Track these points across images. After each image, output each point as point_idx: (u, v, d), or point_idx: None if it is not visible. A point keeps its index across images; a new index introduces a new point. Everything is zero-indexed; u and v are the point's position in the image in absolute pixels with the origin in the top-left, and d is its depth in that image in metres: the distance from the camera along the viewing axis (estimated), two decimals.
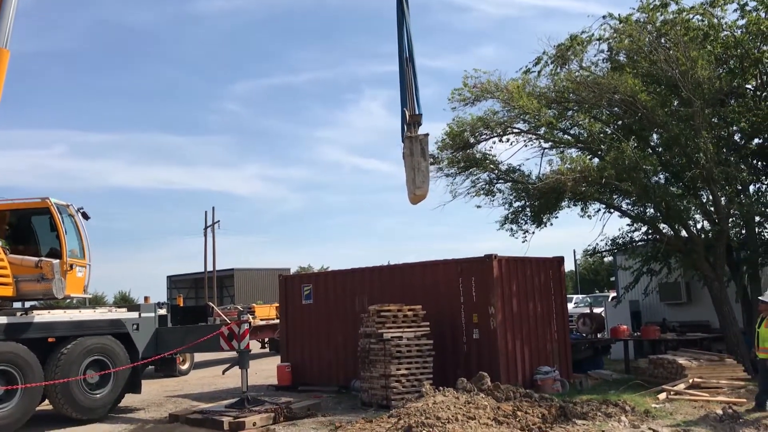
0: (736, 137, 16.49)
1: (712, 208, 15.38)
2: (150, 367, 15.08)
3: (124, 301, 61.23)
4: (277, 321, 25.26)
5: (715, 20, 15.93)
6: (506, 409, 10.39)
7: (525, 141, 16.09)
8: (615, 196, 15.84)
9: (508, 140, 16.10)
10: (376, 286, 15.36)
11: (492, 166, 16.91)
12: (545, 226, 18.34)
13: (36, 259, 12.56)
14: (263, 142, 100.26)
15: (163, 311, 14.42)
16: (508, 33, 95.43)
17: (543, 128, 15.05)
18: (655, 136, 15.94)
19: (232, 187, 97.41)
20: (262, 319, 25.84)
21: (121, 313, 13.82)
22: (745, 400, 11.77)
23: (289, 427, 11.49)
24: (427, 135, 10.47)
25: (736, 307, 16.34)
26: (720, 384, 12.91)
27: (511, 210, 17.81)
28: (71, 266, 13.39)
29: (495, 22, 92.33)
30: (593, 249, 17.24)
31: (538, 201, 16.39)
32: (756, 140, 16.29)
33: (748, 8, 15.82)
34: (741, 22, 15.85)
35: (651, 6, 16.57)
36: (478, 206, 17.14)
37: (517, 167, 16.86)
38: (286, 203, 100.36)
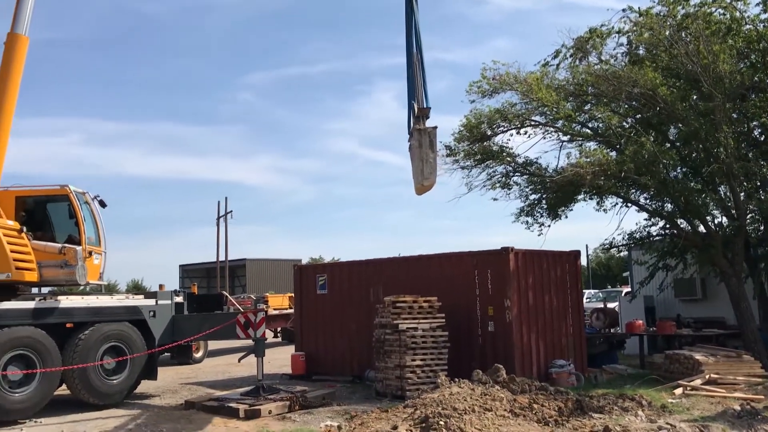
0: (756, 133, 16.35)
1: (731, 204, 15.27)
2: (165, 354, 15.17)
3: (136, 289, 61.61)
4: (290, 311, 25.38)
5: (738, 14, 15.76)
6: (522, 401, 10.38)
7: (543, 134, 16.02)
8: (632, 191, 15.74)
9: (525, 133, 16.05)
10: (391, 277, 15.36)
11: (509, 158, 16.86)
12: (560, 219, 18.34)
13: (59, 245, 12.64)
14: (276, 133, 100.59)
15: (179, 299, 14.49)
16: (521, 26, 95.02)
17: (561, 121, 14.96)
18: (673, 130, 15.82)
19: (244, 178, 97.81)
20: (275, 309, 25.94)
21: (138, 300, 13.90)
22: (762, 396, 11.72)
23: (304, 415, 11.53)
24: (435, 128, 10.47)
25: (753, 303, 16.24)
26: (737, 380, 12.85)
27: (527, 203, 17.79)
28: (90, 253, 13.47)
29: (508, 14, 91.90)
30: (610, 243, 17.17)
31: (555, 194, 16.33)
32: None
33: None
34: (764, 16, 15.71)
35: None
36: (495, 199, 17.13)
37: (534, 160, 16.81)
38: (297, 194, 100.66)
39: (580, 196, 17.48)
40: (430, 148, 10.35)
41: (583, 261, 61.62)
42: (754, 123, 15.58)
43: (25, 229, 12.38)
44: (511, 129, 16.02)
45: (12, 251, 11.64)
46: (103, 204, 14.45)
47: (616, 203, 16.54)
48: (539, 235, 18.21)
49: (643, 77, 13.94)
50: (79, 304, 12.83)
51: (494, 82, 14.99)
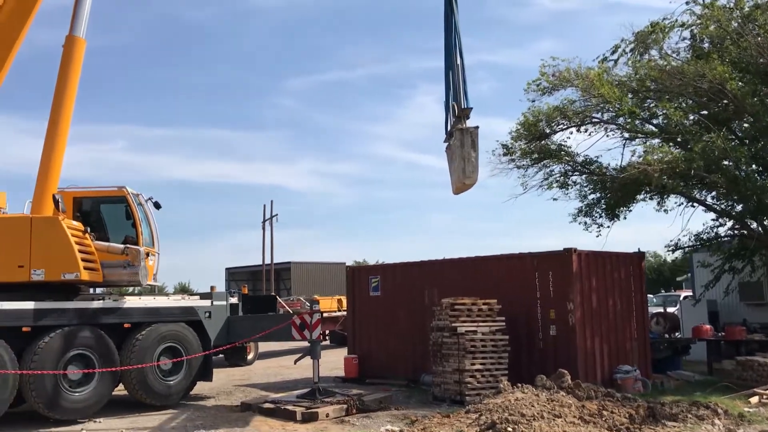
0: None
1: None
2: (219, 355, 15.11)
3: (183, 291, 62.39)
4: (339, 313, 25.26)
5: None
6: (591, 408, 9.96)
7: (605, 131, 15.47)
8: (699, 190, 15.09)
9: (586, 130, 15.54)
10: (447, 279, 15.03)
11: (567, 157, 16.38)
12: (618, 220, 17.75)
13: (122, 246, 12.69)
14: (317, 137, 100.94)
15: (234, 300, 14.42)
16: (565, 27, 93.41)
17: (623, 118, 14.43)
18: (743, 126, 15.13)
19: (286, 182, 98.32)
20: (323, 311, 25.81)
21: (194, 301, 13.86)
22: None
23: (362, 419, 11.29)
24: (477, 127, 10.51)
25: None
26: None
27: (585, 203, 17.27)
28: (147, 254, 13.48)
29: (552, 15, 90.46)
30: (675, 244, 16.52)
31: (616, 193, 15.77)
32: None
33: None
34: None
35: None
36: (555, 199, 16.69)
37: (595, 159, 16.28)
38: (338, 198, 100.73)
39: (640, 196, 16.89)
40: (472, 148, 10.46)
41: None
42: None
43: (88, 229, 12.43)
44: (571, 127, 15.55)
45: (79, 251, 11.68)
46: (158, 206, 14.47)
47: (681, 203, 15.88)
48: (597, 236, 17.68)
49: (711, 71, 13.34)
50: (136, 305, 12.84)
51: (553, 79, 14.56)
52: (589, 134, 15.63)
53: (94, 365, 11.84)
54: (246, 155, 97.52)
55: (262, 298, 16.23)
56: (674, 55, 16.68)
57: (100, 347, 11.93)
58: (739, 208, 14.98)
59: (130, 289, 15.08)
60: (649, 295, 36.47)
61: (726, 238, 16.28)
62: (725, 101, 14.45)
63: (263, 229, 54.17)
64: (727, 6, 16.01)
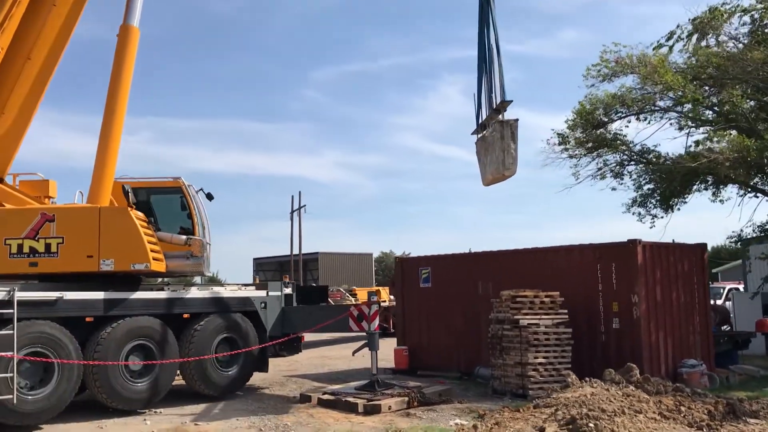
0: None
1: None
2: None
3: (212, 282, 62.70)
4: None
5: None
6: (668, 403, 9.67)
7: (668, 120, 15.07)
8: (763, 180, 14.67)
9: (645, 119, 15.16)
10: (502, 271, 14.78)
11: (623, 146, 16.02)
12: (673, 211, 17.37)
13: (185, 237, 12.65)
14: (342, 128, 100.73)
15: (288, 290, 14.31)
16: (590, 17, 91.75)
17: (688, 105, 14.03)
18: None
19: (311, 173, 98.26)
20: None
21: (250, 291, 13.78)
22: None
23: (427, 412, 11.11)
24: (517, 120, 10.60)
25: None
26: None
27: (640, 193, 16.91)
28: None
29: (578, 5, 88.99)
30: (738, 236, 16.10)
31: (675, 183, 15.37)
32: None
33: None
34: None
35: None
36: (613, 188, 16.34)
37: (652, 148, 15.89)
38: (363, 189, 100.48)
39: (695, 186, 16.52)
40: (512, 140, 10.52)
41: None
42: None
43: (152, 220, 12.39)
44: (629, 115, 15.17)
45: (148, 242, 11.64)
46: (210, 197, 14.33)
47: (743, 193, 15.43)
48: (651, 227, 17.34)
49: None
50: (195, 295, 12.79)
51: (613, 66, 14.17)
52: (648, 123, 15.26)
53: (155, 355, 11.81)
54: (271, 147, 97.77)
55: (314, 289, 16.08)
56: (732, 41, 16.23)
57: (160, 338, 11.90)
58: None
59: (186, 278, 15.04)
60: None
61: None
62: None
63: (291, 219, 54.30)
64: None
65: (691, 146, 16.13)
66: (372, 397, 11.80)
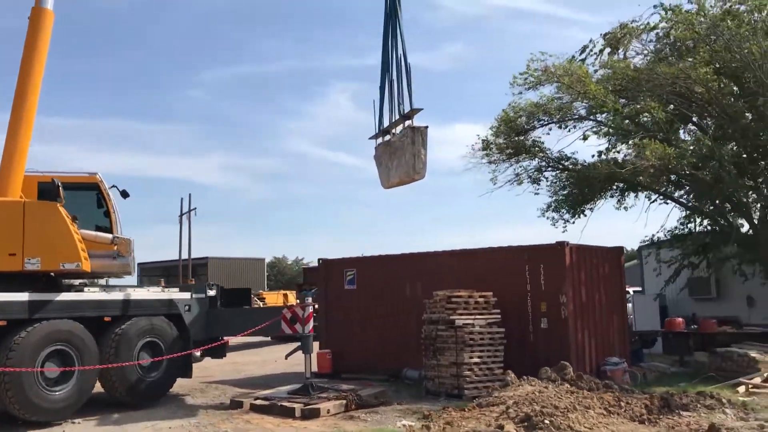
0: None
1: None
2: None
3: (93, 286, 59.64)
4: None
5: None
6: (608, 399, 10.03)
7: (589, 129, 15.72)
8: (672, 188, 15.58)
9: (566, 127, 15.75)
10: (431, 272, 14.82)
11: (541, 153, 16.56)
12: (580, 216, 18.16)
13: (111, 236, 11.82)
14: (230, 131, 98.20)
15: (212, 292, 13.71)
16: (475, 32, 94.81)
17: (606, 115, 14.70)
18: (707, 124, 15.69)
19: (198, 176, 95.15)
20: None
21: (174, 293, 13.08)
22: None
23: (369, 414, 10.93)
24: (427, 127, 11.07)
25: None
26: None
27: (554, 198, 17.54)
28: None
29: (462, 20, 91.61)
30: (650, 240, 16.99)
31: (588, 188, 16.07)
32: None
33: None
34: None
35: None
36: (536, 193, 16.84)
37: (570, 155, 16.54)
38: (251, 193, 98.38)
39: (603, 194, 17.35)
40: (422, 145, 10.93)
41: None
42: None
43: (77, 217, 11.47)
44: (551, 123, 15.70)
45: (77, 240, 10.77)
46: (125, 194, 13.49)
47: (654, 200, 16.35)
48: (563, 232, 18.04)
49: (695, 72, 13.74)
50: (117, 296, 12.00)
51: (540, 75, 14.63)
52: (569, 131, 15.86)
53: (74, 362, 10.95)
54: (154, 148, 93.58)
55: (237, 291, 15.49)
56: (639, 56, 17.22)
57: (80, 342, 11.05)
58: (708, 204, 15.54)
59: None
60: None
61: (700, 234, 16.83)
62: (693, 101, 14.96)
63: (180, 222, 52.53)
64: (691, 12, 16.58)
65: (594, 155, 17.01)
66: (309, 401, 11.49)
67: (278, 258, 78.01)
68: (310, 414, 10.93)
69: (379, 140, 12.15)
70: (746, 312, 19.46)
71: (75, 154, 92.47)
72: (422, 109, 11.15)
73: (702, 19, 16.10)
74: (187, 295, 13.14)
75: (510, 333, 13.25)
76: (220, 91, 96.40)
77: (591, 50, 17.56)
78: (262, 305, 26.22)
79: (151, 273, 52.93)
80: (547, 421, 8.49)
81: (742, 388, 12.05)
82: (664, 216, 20.57)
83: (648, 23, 16.72)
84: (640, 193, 17.30)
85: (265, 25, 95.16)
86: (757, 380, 12.42)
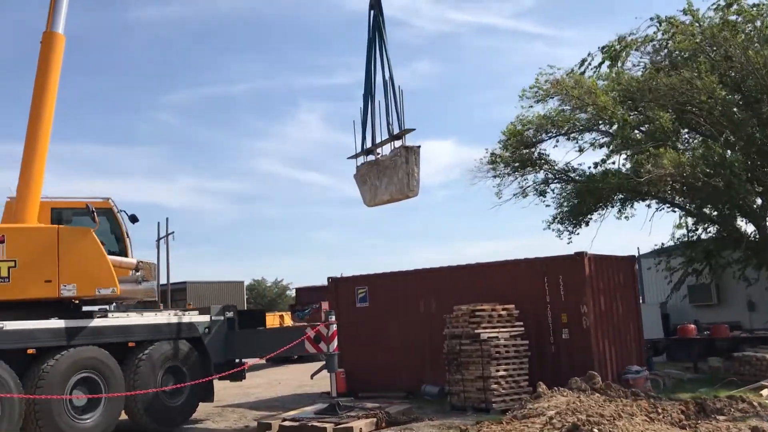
0: None
1: None
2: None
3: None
4: None
5: None
6: (645, 406, 10.09)
7: (593, 140, 15.95)
8: (680, 196, 15.82)
9: (573, 138, 15.94)
10: (446, 287, 14.83)
11: (547, 165, 16.74)
12: (581, 226, 18.37)
13: (135, 260, 11.67)
14: (198, 153, 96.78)
15: (230, 314, 13.57)
16: (442, 49, 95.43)
17: (615, 125, 14.92)
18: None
19: (165, 199, 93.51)
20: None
21: (194, 316, 12.93)
22: None
23: (405, 431, 10.86)
24: (419, 146, 11.54)
25: None
26: None
27: (559, 210, 17.72)
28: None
29: (430, 38, 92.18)
30: (661, 249, 17.20)
31: (585, 200, 16.29)
32: None
33: None
34: None
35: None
36: (547, 205, 17.01)
37: (576, 167, 16.75)
38: (222, 216, 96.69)
39: (605, 203, 17.58)
40: (415, 164, 11.39)
41: None
42: None
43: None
44: (558, 135, 15.89)
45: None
46: (134, 219, 13.34)
47: (660, 208, 16.57)
48: (568, 243, 18.21)
49: (700, 81, 14.03)
50: (140, 321, 11.82)
51: (549, 87, 14.82)
52: (576, 142, 16.05)
53: (100, 389, 10.76)
54: (119, 172, 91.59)
55: (252, 313, 15.35)
56: (635, 67, 17.57)
57: (107, 369, 10.87)
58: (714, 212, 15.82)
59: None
60: None
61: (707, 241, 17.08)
62: (696, 110, 15.28)
63: (158, 247, 51.75)
64: (687, 23, 16.95)
65: (590, 167, 17.28)
66: (338, 420, 11.38)
67: (257, 280, 77.21)
68: None
69: (361, 160, 12.56)
70: (747, 317, 19.78)
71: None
72: (414, 129, 11.63)
73: (698, 29, 16.47)
74: (206, 318, 13.00)
75: (530, 345, 13.30)
76: (186, 114, 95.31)
77: (589, 63, 17.91)
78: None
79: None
80: (596, 430, 8.50)
81: (765, 391, 12.20)
82: (665, 225, 20.82)
83: (647, 35, 17.04)
84: (641, 202, 17.53)
85: (231, 48, 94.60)
86: None
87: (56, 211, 12.58)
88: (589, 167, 17.15)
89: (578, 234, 18.19)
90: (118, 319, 11.47)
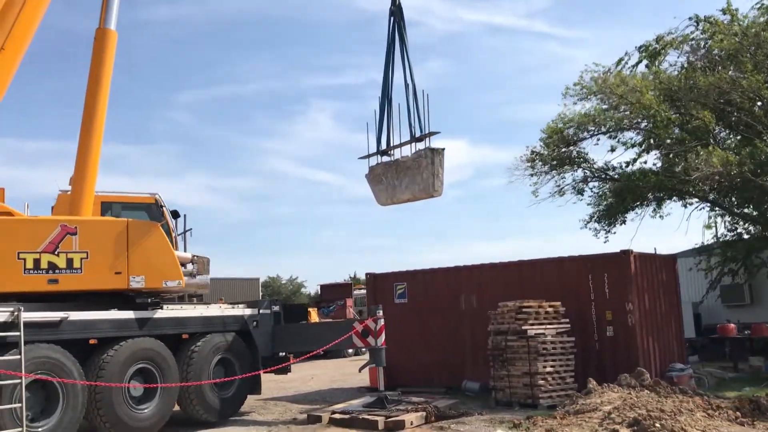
0: None
1: None
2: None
3: None
4: None
5: None
6: (700, 403, 10.12)
7: (634, 139, 15.97)
8: (720, 196, 15.83)
9: (615, 137, 15.97)
10: (486, 284, 14.94)
11: (586, 164, 16.78)
12: (616, 225, 18.39)
13: (191, 255, 11.86)
14: (209, 152, 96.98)
15: (276, 308, 13.71)
16: (454, 48, 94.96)
17: (658, 124, 14.94)
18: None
19: (178, 197, 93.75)
20: None
21: (243, 310, 13.08)
22: None
23: (457, 425, 10.97)
24: (444, 149, 11.89)
25: None
26: None
27: (598, 209, 17.74)
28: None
29: (442, 37, 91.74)
30: (701, 247, 17.21)
31: (624, 199, 16.32)
32: None
33: None
34: None
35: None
36: (588, 204, 17.03)
37: (616, 165, 16.78)
38: (233, 214, 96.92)
39: (641, 203, 17.59)
40: (440, 165, 11.79)
41: None
42: None
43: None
44: (599, 134, 15.93)
45: None
46: (176, 215, 13.51)
47: (701, 207, 16.58)
48: (605, 242, 18.25)
49: (747, 81, 14.03)
50: (193, 314, 12.01)
51: (593, 86, 14.85)
52: (618, 141, 16.07)
53: (156, 379, 10.94)
54: (133, 170, 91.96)
55: (295, 307, 15.49)
56: (671, 67, 17.56)
57: (162, 360, 11.05)
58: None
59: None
60: None
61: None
62: (735, 109, 15.28)
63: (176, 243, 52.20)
64: (726, 23, 16.92)
65: (621, 165, 17.29)
66: (388, 413, 11.51)
67: (272, 277, 77.52)
68: (395, 426, 10.96)
69: (374, 160, 12.91)
70: None
71: (57, 176, 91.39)
72: (439, 132, 12.07)
73: (737, 28, 16.44)
74: (255, 311, 13.14)
75: (575, 341, 13.37)
76: (198, 113, 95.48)
77: (626, 62, 17.91)
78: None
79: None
80: (658, 425, 8.55)
81: None
82: (693, 225, 20.86)
83: (685, 35, 17.02)
84: (677, 201, 17.53)
85: (242, 48, 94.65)
86: None
87: (106, 204, 12.80)
88: (626, 164, 17.25)
89: (614, 233, 18.23)
90: (174, 311, 11.64)
